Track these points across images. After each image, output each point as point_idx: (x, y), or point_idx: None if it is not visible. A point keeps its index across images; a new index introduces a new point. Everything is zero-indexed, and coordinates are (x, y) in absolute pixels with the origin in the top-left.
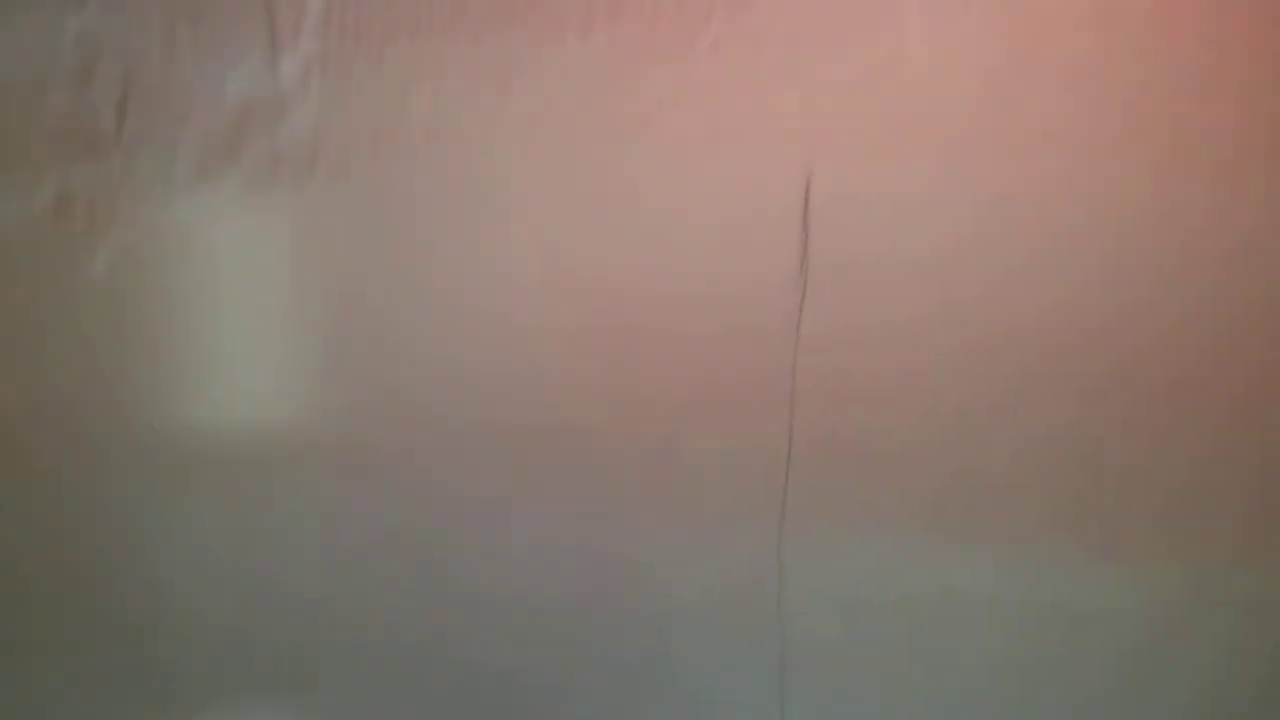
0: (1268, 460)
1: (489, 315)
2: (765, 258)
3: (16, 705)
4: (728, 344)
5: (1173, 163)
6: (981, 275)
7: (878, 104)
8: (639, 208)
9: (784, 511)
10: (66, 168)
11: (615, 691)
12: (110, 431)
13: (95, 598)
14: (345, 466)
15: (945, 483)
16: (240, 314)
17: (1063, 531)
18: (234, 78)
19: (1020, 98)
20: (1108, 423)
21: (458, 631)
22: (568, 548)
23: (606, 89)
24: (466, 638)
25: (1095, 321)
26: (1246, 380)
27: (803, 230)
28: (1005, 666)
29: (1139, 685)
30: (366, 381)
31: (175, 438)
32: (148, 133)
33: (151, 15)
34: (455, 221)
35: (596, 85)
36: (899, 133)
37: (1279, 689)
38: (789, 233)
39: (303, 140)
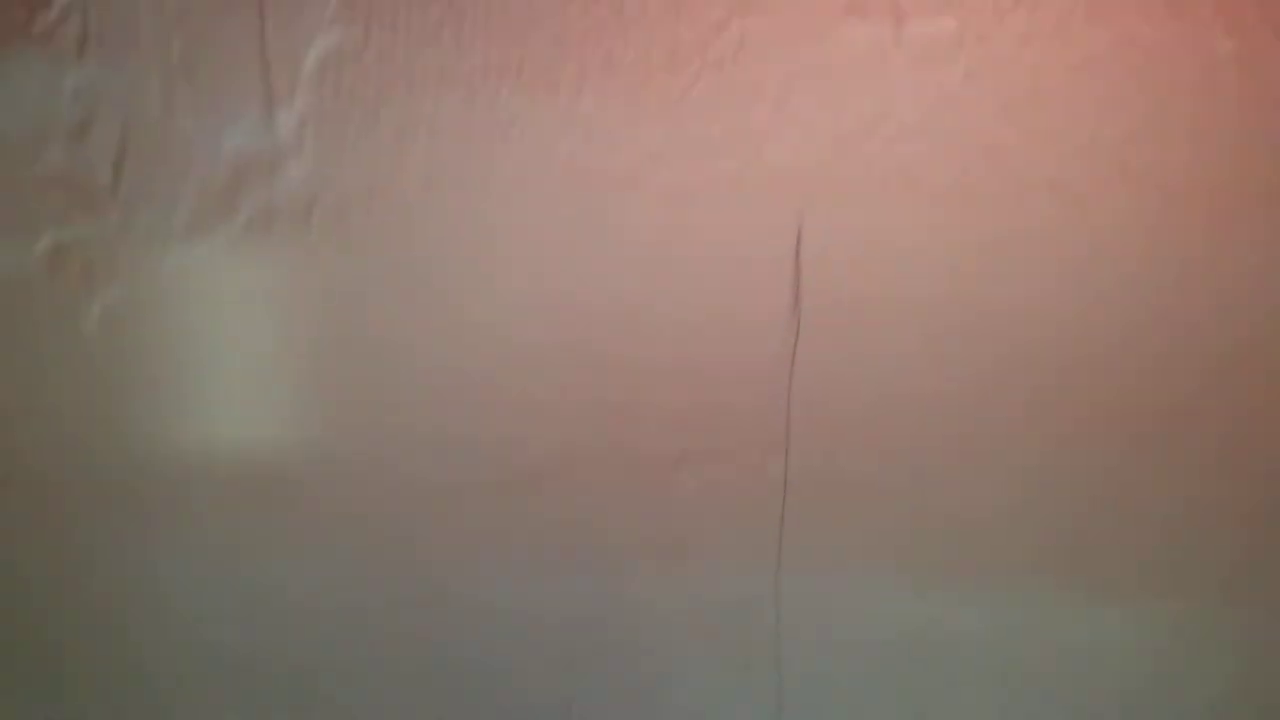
0: (1258, 499)
1: (482, 367)
2: (758, 305)
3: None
4: (722, 387)
5: (1162, 210)
6: (971, 319)
7: (868, 155)
8: (633, 259)
9: (780, 551)
10: (63, 221)
11: None
12: (105, 479)
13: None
14: (335, 518)
15: (940, 521)
16: (234, 367)
17: (1058, 570)
18: (230, 133)
19: (1008, 148)
20: (1101, 461)
21: (453, 669)
22: (562, 591)
23: (599, 143)
24: (461, 676)
25: (1085, 362)
26: (1235, 420)
27: (795, 278)
28: (1001, 704)
29: None
30: (360, 435)
31: (169, 485)
32: (144, 187)
33: (149, 71)
34: (449, 275)
35: (589, 139)
36: (889, 183)
37: None
38: (782, 281)
39: (298, 195)
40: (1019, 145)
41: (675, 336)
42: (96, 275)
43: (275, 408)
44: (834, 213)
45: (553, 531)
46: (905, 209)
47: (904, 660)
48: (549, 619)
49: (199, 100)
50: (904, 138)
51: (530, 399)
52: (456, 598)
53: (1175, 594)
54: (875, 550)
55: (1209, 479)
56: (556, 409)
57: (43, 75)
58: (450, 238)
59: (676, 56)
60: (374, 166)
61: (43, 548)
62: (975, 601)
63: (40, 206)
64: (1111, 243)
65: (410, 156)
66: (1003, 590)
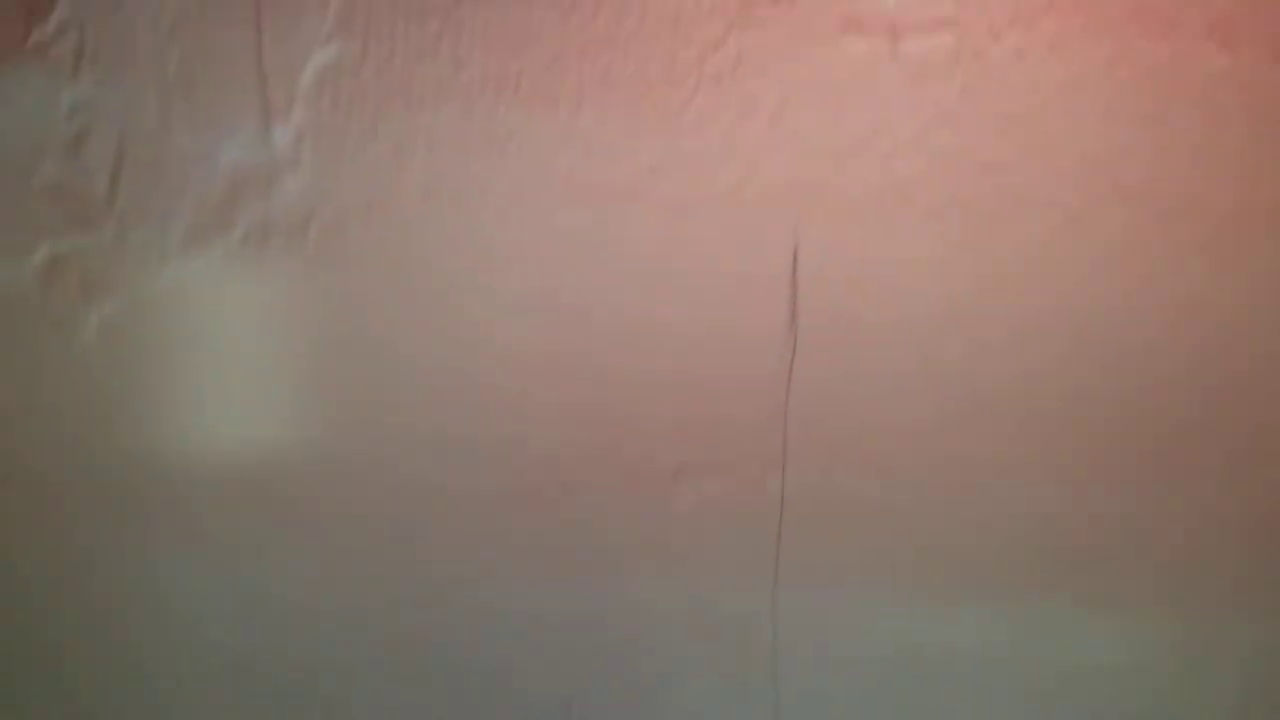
0: (1266, 515)
1: (480, 380)
2: (756, 319)
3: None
4: (720, 401)
5: (1159, 227)
6: (971, 334)
7: (864, 170)
8: (631, 273)
9: (778, 568)
10: (59, 234)
11: None
12: (103, 491)
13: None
14: (335, 530)
15: (940, 538)
16: (231, 381)
17: (1057, 586)
18: (227, 147)
19: (1004, 164)
20: (1100, 478)
21: (451, 686)
22: (559, 605)
23: (597, 157)
24: (460, 683)
25: (1083, 379)
26: (1239, 437)
27: (792, 293)
28: None
29: None
30: (359, 444)
31: (167, 496)
32: (140, 201)
33: (145, 86)
34: (448, 289)
35: (588, 153)
36: (885, 198)
37: None
38: (779, 295)
39: (295, 209)
40: (1015, 161)
41: (673, 350)
42: (93, 288)
43: (273, 420)
44: (831, 228)
45: (551, 542)
46: (901, 224)
47: (902, 676)
48: (547, 627)
49: (196, 114)
50: (900, 153)
51: (529, 412)
52: (455, 606)
53: (1177, 610)
54: (873, 566)
55: (1211, 496)
56: (555, 422)
57: (39, 89)
58: (448, 251)
59: (674, 71)
60: (372, 180)
61: (42, 553)
62: (973, 618)
63: (37, 219)
64: (1108, 259)
65: (408, 170)
66: (1001, 606)
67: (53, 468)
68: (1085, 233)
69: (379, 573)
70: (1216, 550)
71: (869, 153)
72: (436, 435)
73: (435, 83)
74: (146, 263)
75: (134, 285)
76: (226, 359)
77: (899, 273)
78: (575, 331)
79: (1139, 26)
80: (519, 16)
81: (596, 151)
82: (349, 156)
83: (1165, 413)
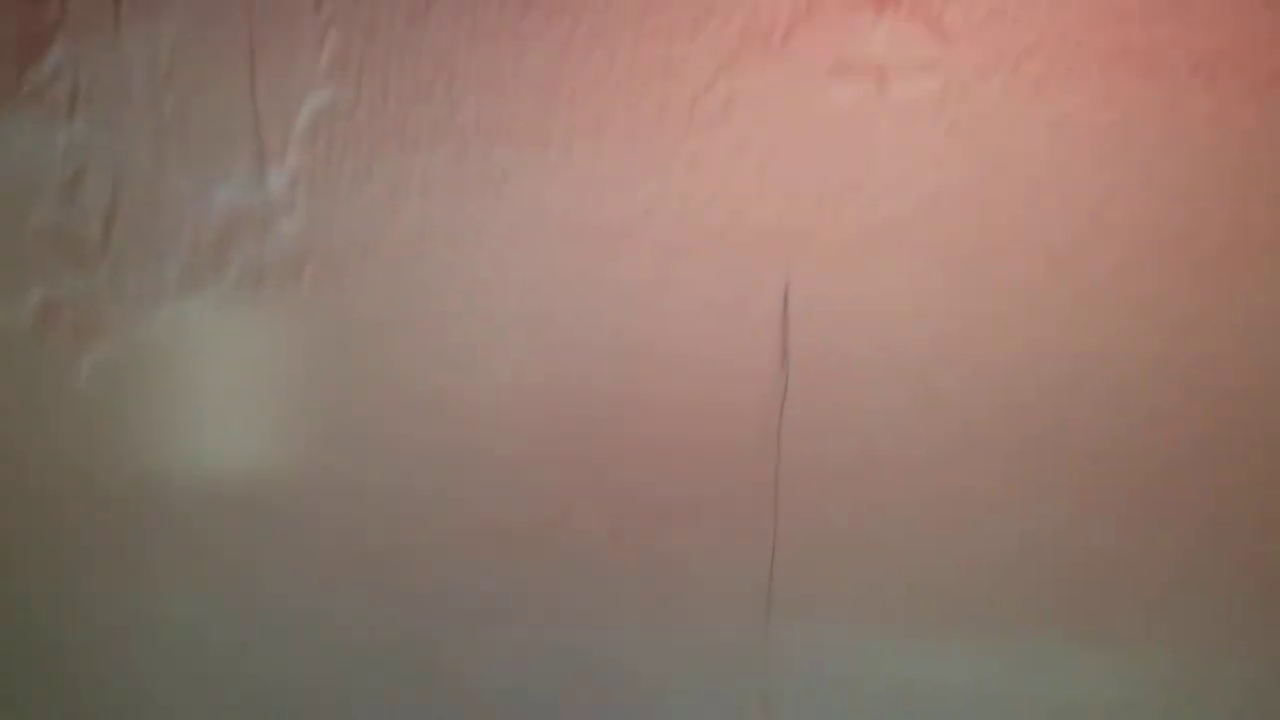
0: (1257, 549)
1: (475, 418)
2: (748, 358)
3: None
4: (712, 439)
5: (1143, 266)
6: (957, 373)
7: (853, 211)
8: (623, 314)
9: (770, 601)
10: (54, 277)
11: None
12: (95, 532)
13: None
14: (333, 565)
15: (932, 572)
16: (224, 424)
17: (1047, 622)
18: (221, 190)
19: (991, 204)
20: (1089, 514)
21: (449, 710)
22: (555, 642)
23: (590, 199)
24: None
25: (1071, 416)
26: (1230, 472)
27: (783, 332)
28: None
29: None
30: (355, 484)
31: (160, 538)
32: (135, 243)
33: (140, 129)
34: (442, 330)
35: (580, 195)
36: (874, 239)
37: None
38: (770, 334)
39: (289, 251)
40: (1002, 202)
41: (666, 386)
42: (87, 330)
43: (267, 461)
44: (821, 267)
45: (546, 577)
46: (890, 265)
47: (895, 711)
48: (540, 661)
49: (190, 157)
50: (888, 195)
51: (522, 448)
52: (450, 639)
53: (1168, 646)
54: (865, 601)
55: (1201, 532)
56: (548, 457)
57: (34, 132)
58: (443, 292)
59: (666, 115)
60: (366, 222)
61: (33, 593)
62: (965, 652)
63: (32, 261)
64: (1093, 298)
65: (403, 211)
66: (992, 641)
67: (45, 507)
68: (1071, 272)
69: (369, 604)
70: (1207, 586)
71: (858, 193)
72: (430, 473)
73: (430, 125)
74: (140, 305)
75: (128, 327)
76: (219, 401)
77: (889, 311)
78: (568, 370)
79: (1123, 67)
80: (512, 60)
81: (589, 193)
82: (343, 198)
83: (1153, 449)
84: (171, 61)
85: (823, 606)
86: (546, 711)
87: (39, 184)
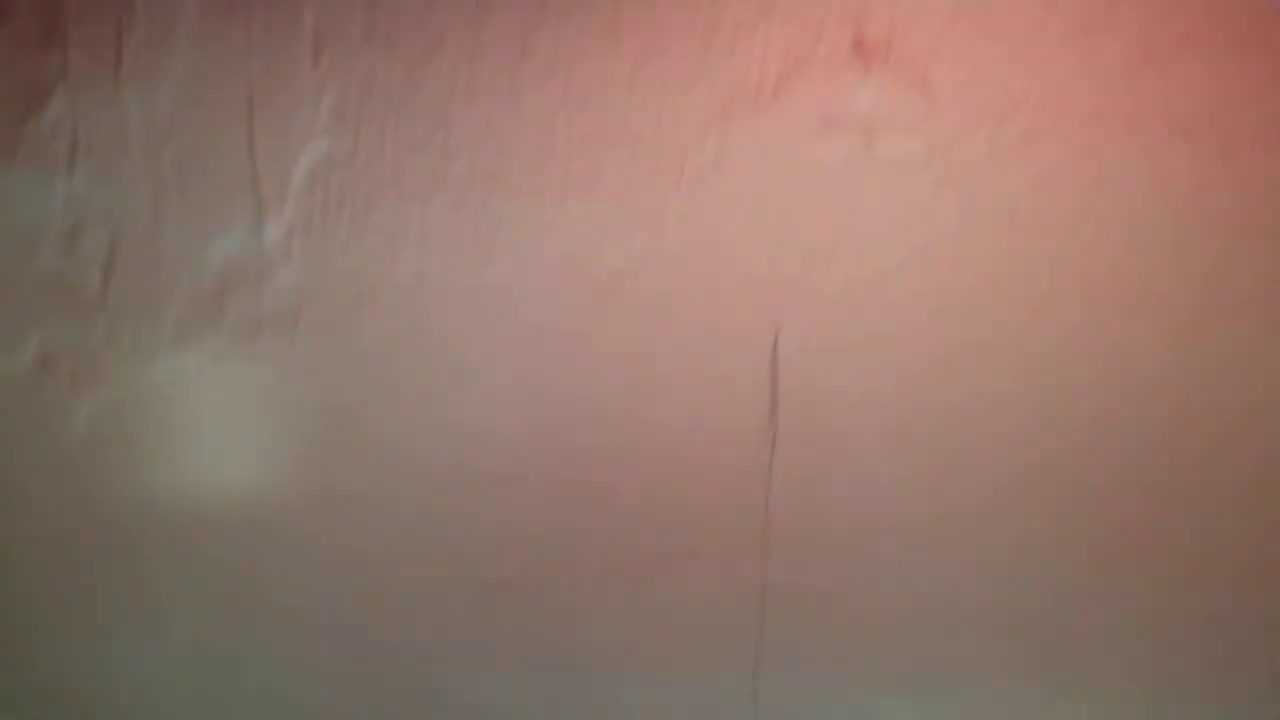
0: (1232, 598)
1: (465, 469)
2: (737, 409)
3: None
4: (701, 493)
5: (1121, 317)
6: (943, 425)
7: (841, 264)
8: (614, 363)
9: (758, 658)
10: (52, 327)
11: None
12: (90, 577)
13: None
14: (321, 621)
15: (917, 626)
16: (219, 472)
17: (1034, 674)
18: (219, 242)
19: (974, 259)
20: (1076, 569)
21: None
22: (543, 697)
23: (583, 250)
24: None
25: (1053, 473)
26: (1200, 517)
27: (772, 383)
28: None
29: None
30: (346, 537)
31: (155, 585)
32: (133, 294)
33: (139, 181)
34: (435, 379)
35: (574, 247)
36: (861, 291)
37: None
38: (759, 385)
39: (285, 303)
40: (985, 256)
41: (655, 440)
42: (84, 380)
43: (261, 510)
44: (809, 319)
45: (535, 630)
46: (877, 315)
47: None
48: (529, 710)
49: (188, 209)
50: (875, 247)
51: (511, 501)
52: (439, 692)
53: (1150, 691)
54: (853, 653)
55: (1176, 577)
56: (537, 511)
57: (34, 185)
58: (437, 342)
59: (658, 168)
60: (362, 273)
61: (29, 646)
62: (951, 709)
63: (30, 312)
64: (1073, 349)
65: (399, 262)
66: (981, 694)
67: (40, 555)
68: (1055, 321)
69: (355, 658)
70: (1185, 641)
71: (846, 245)
72: (419, 523)
73: (426, 177)
74: (138, 355)
75: (125, 377)
76: (211, 451)
77: (876, 359)
78: (559, 422)
79: (1105, 125)
80: (507, 114)
81: (583, 243)
82: (340, 249)
83: (1128, 497)
84: (171, 115)
85: (810, 662)
86: None
87: (39, 235)
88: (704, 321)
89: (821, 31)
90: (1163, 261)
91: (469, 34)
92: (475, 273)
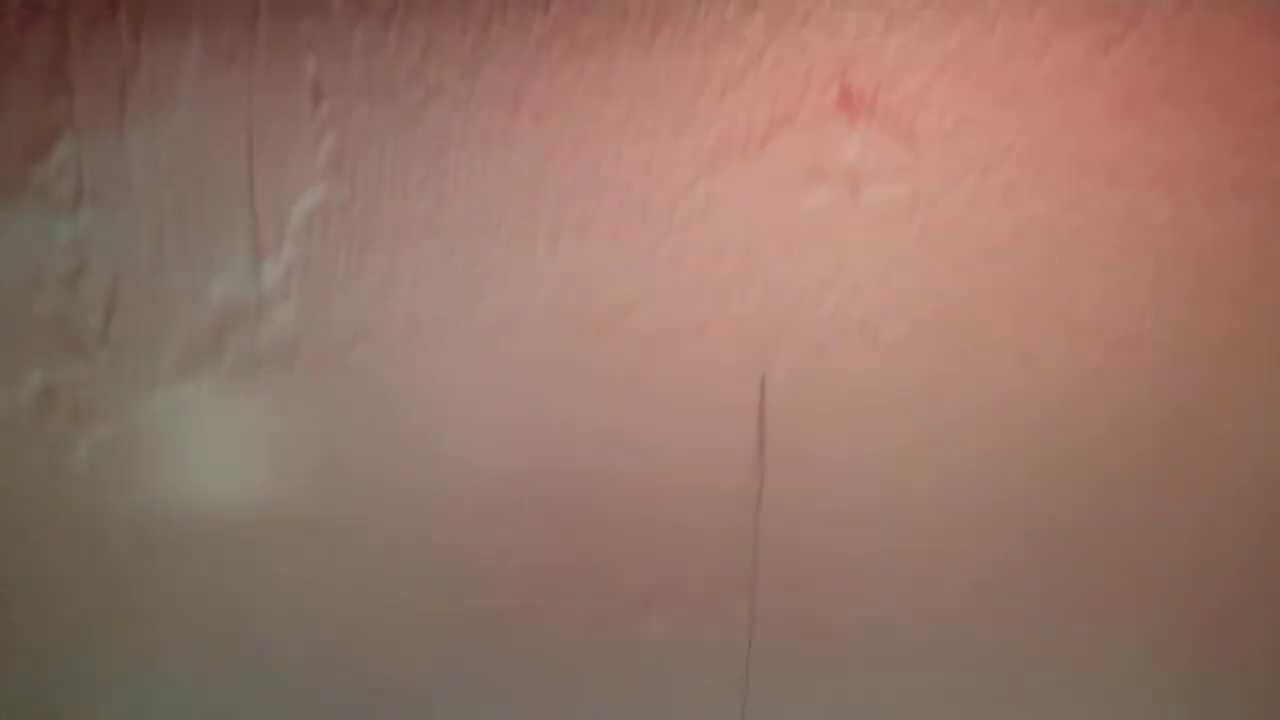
0: (1249, 653)
1: (457, 506)
2: (725, 449)
3: None
4: (690, 528)
5: (1104, 364)
6: (927, 466)
7: (827, 308)
8: (604, 404)
9: (747, 693)
10: (54, 363)
11: None
12: (89, 612)
13: None
14: (303, 652)
15: (905, 662)
16: (218, 507)
17: (1027, 707)
18: (218, 282)
19: (959, 304)
20: (1064, 607)
21: None
22: None
23: (574, 294)
24: None
25: (1038, 512)
26: (1183, 549)
27: (759, 424)
28: None
29: None
30: (337, 571)
31: (153, 621)
32: (133, 332)
33: (140, 222)
34: (428, 419)
35: (564, 290)
36: (847, 335)
37: None
38: (747, 426)
39: (282, 342)
40: (969, 302)
41: (645, 478)
42: (85, 413)
43: (258, 542)
44: (796, 362)
45: (523, 664)
46: (863, 359)
47: None
48: None
49: (189, 250)
50: (861, 293)
51: (504, 539)
52: None
53: None
54: (841, 691)
55: (1164, 609)
56: (527, 547)
57: (39, 225)
58: (430, 383)
59: (647, 214)
60: (357, 314)
61: (27, 678)
62: None
63: (33, 348)
64: (1056, 393)
65: (393, 304)
66: None
67: (40, 590)
68: (1040, 368)
69: (346, 690)
70: (1192, 690)
71: (832, 291)
72: (412, 560)
73: (421, 221)
74: (137, 391)
75: (125, 413)
76: (212, 484)
77: (863, 404)
78: (549, 460)
79: (1087, 176)
80: (500, 161)
81: (573, 287)
82: (336, 290)
83: (1117, 541)
84: (173, 158)
85: (799, 697)
86: None
87: (43, 274)
88: (693, 362)
89: (808, 83)
90: (1144, 305)
91: (464, 83)
92: (468, 313)
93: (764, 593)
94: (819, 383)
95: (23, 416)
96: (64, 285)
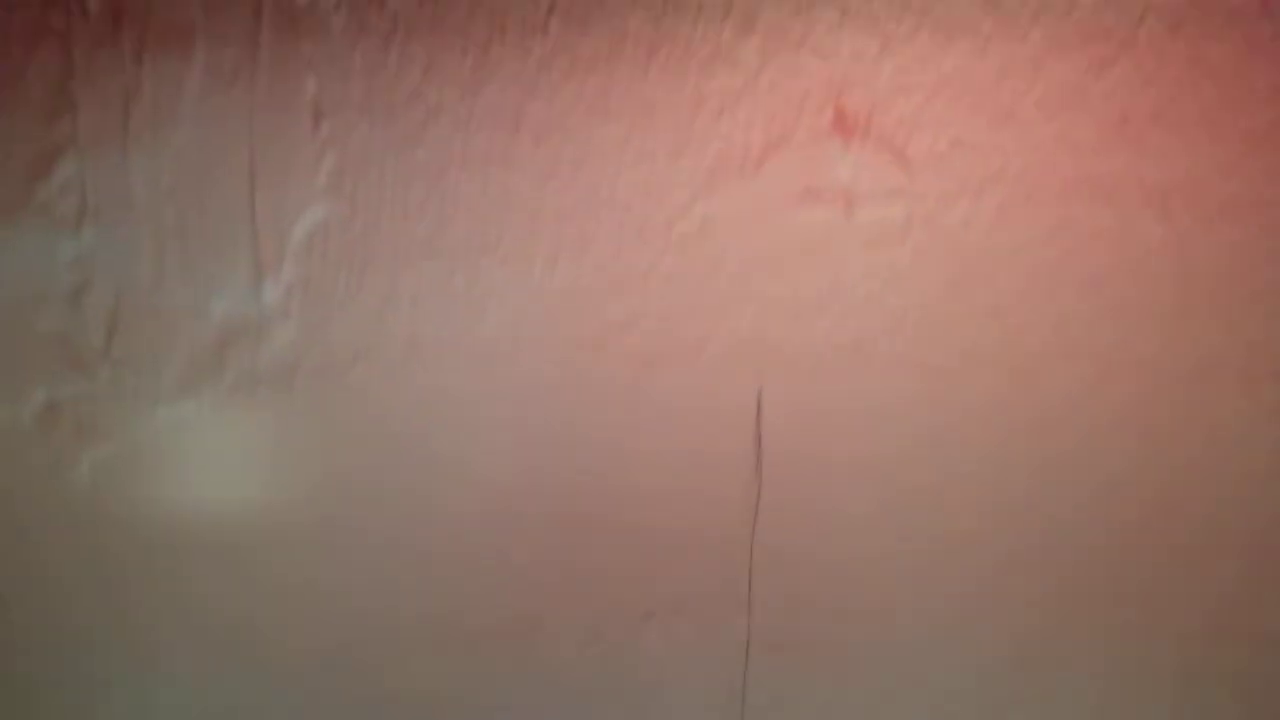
0: (1237, 660)
1: (457, 525)
2: (722, 467)
3: None
4: (687, 546)
5: (1098, 383)
6: (924, 482)
7: (823, 327)
8: (602, 422)
9: (744, 709)
10: (57, 380)
11: None
12: (94, 627)
13: None
14: (308, 667)
15: (901, 681)
16: (219, 523)
17: (1023, 715)
18: (219, 300)
19: (954, 323)
20: (1059, 634)
21: None
22: None
23: (572, 313)
24: None
25: (1035, 526)
26: (1171, 562)
27: (756, 442)
28: None
29: None
30: (336, 587)
31: (156, 637)
32: (135, 350)
33: (142, 240)
34: (427, 437)
35: (562, 309)
36: (843, 354)
37: None
38: (744, 444)
39: (283, 360)
40: (964, 321)
41: (642, 496)
42: (87, 432)
43: (259, 556)
44: (792, 381)
45: (520, 678)
46: (858, 378)
47: None
48: None
49: (190, 268)
50: (856, 312)
51: (503, 556)
52: None
53: None
54: (837, 707)
55: (1172, 643)
56: (527, 566)
57: (42, 243)
58: (430, 401)
59: (644, 234)
60: (357, 333)
61: (28, 695)
62: None
63: (36, 365)
64: (1051, 412)
65: (392, 323)
66: None
67: (43, 606)
68: (1033, 386)
69: (342, 706)
70: (1170, 682)
71: (828, 310)
72: (411, 575)
73: (420, 242)
74: (140, 408)
75: (127, 429)
76: (213, 499)
77: (858, 421)
78: (548, 477)
79: (1080, 197)
80: (499, 181)
81: (572, 306)
82: (336, 309)
83: (1112, 553)
84: (175, 178)
85: (795, 713)
86: None
87: (46, 292)
88: (690, 380)
89: (804, 104)
90: (1137, 326)
91: (464, 104)
92: (467, 332)
93: (761, 607)
94: (815, 400)
95: (26, 433)
96: (67, 303)
